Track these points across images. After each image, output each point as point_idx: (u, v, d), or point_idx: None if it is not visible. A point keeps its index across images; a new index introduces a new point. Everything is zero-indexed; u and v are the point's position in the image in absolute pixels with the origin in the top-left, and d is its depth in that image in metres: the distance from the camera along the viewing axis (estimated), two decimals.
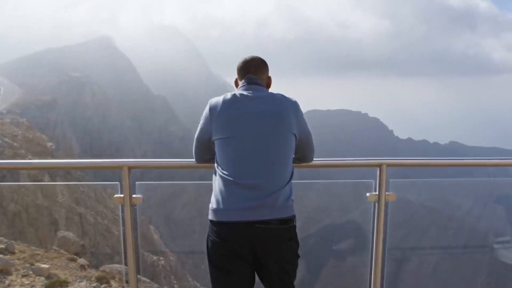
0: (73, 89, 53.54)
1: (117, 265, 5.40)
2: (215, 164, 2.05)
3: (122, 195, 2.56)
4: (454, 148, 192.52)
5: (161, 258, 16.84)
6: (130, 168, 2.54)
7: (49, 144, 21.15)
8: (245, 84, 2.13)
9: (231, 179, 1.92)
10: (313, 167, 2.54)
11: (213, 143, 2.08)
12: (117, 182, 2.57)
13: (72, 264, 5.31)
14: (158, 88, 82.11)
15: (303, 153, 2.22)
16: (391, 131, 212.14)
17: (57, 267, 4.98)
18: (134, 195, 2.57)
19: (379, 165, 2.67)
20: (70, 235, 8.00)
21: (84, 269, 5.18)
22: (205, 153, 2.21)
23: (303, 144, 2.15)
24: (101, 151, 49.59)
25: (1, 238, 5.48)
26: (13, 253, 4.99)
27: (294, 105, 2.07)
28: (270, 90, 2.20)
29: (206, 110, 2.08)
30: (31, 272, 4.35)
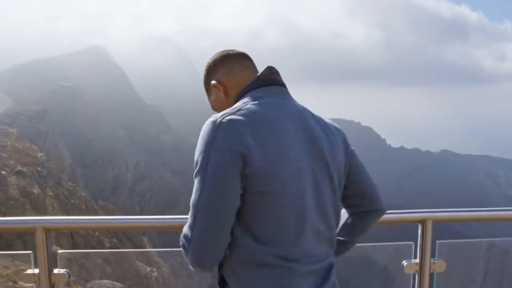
0: (65, 99, 53.16)
1: None
2: (245, 240, 1.13)
3: (36, 271, 1.78)
4: (446, 156, 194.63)
5: (154, 269, 16.54)
6: (47, 230, 1.79)
7: (40, 154, 20.81)
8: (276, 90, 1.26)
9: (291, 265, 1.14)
10: None
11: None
12: (30, 252, 1.83)
13: None
14: (150, 97, 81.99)
15: None
16: (384, 139, 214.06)
17: None
18: (55, 270, 1.79)
19: (422, 221, 1.90)
20: None
21: None
22: (224, 233, 1.13)
23: None
24: (93, 162, 49.03)
25: None
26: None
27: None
28: None
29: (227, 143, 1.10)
30: None
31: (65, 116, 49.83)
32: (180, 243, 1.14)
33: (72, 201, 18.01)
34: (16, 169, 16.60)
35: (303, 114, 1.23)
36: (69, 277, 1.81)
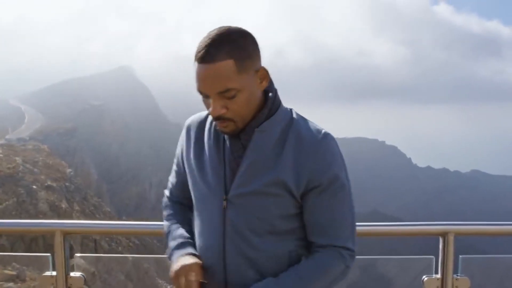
0: (93, 117, 55.11)
1: None
2: None
3: (53, 273, 1.80)
4: (476, 177, 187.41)
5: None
6: (66, 233, 1.81)
7: (68, 170, 21.53)
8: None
9: None
10: None
11: None
12: (49, 254, 1.87)
13: None
14: (175, 116, 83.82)
15: None
16: (409, 159, 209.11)
17: None
18: (71, 274, 1.82)
19: (443, 234, 1.79)
20: None
21: None
22: None
23: None
24: (119, 178, 50.16)
25: (14, 263, 5.43)
26: (24, 280, 4.93)
27: None
28: None
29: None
30: None
31: (93, 133, 51.55)
32: (340, 267, 1.13)
33: (97, 216, 18.43)
34: (46, 184, 17.21)
35: None
36: (85, 281, 1.84)
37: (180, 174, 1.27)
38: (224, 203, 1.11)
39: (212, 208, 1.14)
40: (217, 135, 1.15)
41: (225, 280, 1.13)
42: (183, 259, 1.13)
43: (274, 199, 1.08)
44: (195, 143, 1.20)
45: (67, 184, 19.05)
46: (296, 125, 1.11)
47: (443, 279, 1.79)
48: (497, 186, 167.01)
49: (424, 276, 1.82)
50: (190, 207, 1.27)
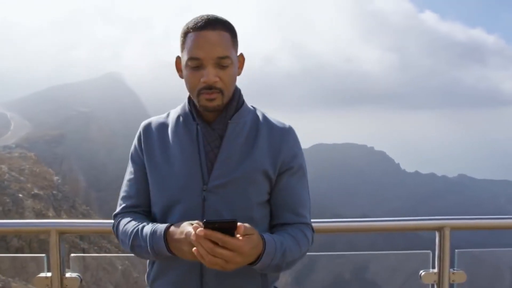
0: (81, 123, 54.45)
1: None
2: None
3: (48, 274, 1.77)
4: (463, 181, 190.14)
5: None
6: (61, 233, 1.78)
7: (55, 178, 21.20)
8: None
9: None
10: (334, 232, 1.91)
11: None
12: (43, 255, 1.84)
13: None
14: None
15: None
16: (398, 164, 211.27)
17: None
18: (67, 274, 1.79)
19: (439, 228, 1.83)
20: None
21: None
22: None
23: None
24: (107, 185, 49.50)
25: None
26: None
27: None
28: None
29: None
30: None
31: (81, 140, 50.91)
32: (310, 241, 1.19)
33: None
34: (32, 192, 16.91)
35: None
36: (81, 281, 1.80)
37: (138, 178, 1.22)
38: (204, 193, 1.12)
39: (190, 200, 1.12)
40: (188, 129, 1.17)
41: (201, 273, 1.12)
42: (176, 237, 1.03)
43: (253, 185, 1.14)
44: (158, 141, 1.20)
45: (54, 192, 18.75)
46: (265, 118, 1.22)
47: (440, 273, 1.82)
48: (483, 190, 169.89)
49: (421, 271, 1.84)
50: (148, 216, 1.21)
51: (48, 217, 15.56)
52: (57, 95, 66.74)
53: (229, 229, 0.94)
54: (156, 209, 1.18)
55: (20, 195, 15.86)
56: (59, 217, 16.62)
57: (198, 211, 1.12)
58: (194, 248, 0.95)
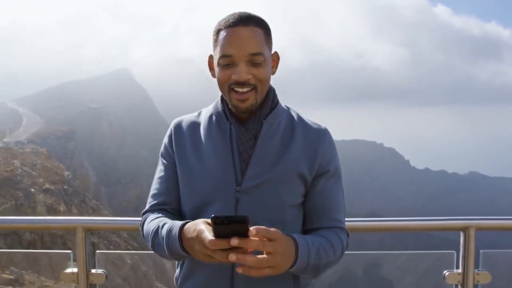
0: (91, 120, 55.04)
1: None
2: None
3: (75, 270, 1.80)
4: (474, 179, 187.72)
5: None
6: (87, 230, 1.82)
7: (66, 173, 21.48)
8: None
9: None
10: (357, 232, 1.86)
11: None
12: (69, 251, 1.89)
13: None
14: (173, 118, 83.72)
15: None
16: (408, 161, 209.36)
17: None
18: (93, 270, 1.82)
19: (464, 229, 1.81)
20: None
21: None
22: None
23: None
24: (117, 180, 50.03)
25: (12, 268, 5.42)
26: (22, 284, 4.92)
27: None
28: None
29: None
30: None
31: (92, 136, 51.48)
32: (344, 245, 1.15)
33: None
34: (44, 187, 17.16)
35: None
36: (106, 277, 1.82)
37: (168, 176, 1.18)
38: (237, 194, 1.09)
39: (223, 201, 1.09)
40: (222, 128, 1.13)
41: (232, 274, 1.09)
42: (189, 236, 0.95)
43: (287, 187, 1.10)
44: (189, 140, 1.16)
45: (65, 187, 19.00)
46: (299, 118, 1.18)
47: (464, 274, 1.79)
48: (495, 187, 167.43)
49: (445, 271, 1.83)
50: (176, 215, 1.17)
51: (59, 212, 15.80)
52: (68, 92, 67.53)
53: (239, 222, 0.86)
54: (186, 208, 1.15)
55: (32, 190, 16.11)
56: (70, 212, 16.85)
57: (231, 212, 1.08)
58: (231, 254, 0.86)
